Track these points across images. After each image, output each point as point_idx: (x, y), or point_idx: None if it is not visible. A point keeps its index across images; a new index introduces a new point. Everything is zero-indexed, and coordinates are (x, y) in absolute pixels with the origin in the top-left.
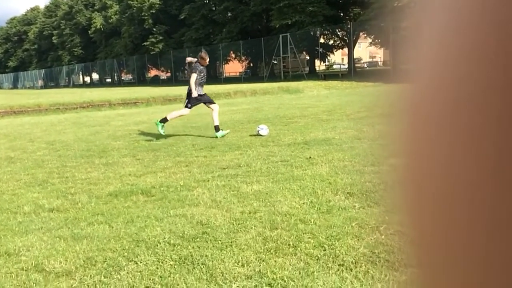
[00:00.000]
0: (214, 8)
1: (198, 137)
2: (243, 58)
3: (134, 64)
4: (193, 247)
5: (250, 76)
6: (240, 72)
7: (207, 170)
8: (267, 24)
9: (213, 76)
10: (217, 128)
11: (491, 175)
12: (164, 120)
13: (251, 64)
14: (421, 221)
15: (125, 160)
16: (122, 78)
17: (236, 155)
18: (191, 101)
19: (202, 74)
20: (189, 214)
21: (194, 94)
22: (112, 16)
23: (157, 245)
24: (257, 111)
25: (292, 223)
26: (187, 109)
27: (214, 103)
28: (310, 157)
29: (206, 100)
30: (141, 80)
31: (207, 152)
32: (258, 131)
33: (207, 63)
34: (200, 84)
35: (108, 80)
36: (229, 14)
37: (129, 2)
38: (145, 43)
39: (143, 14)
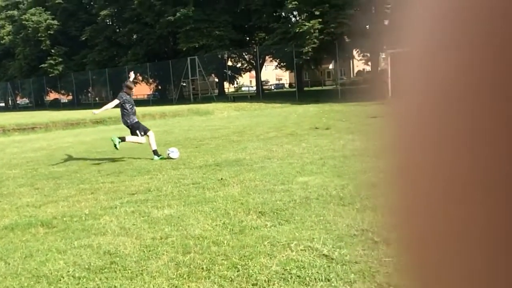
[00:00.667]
0: (118, 30)
1: (105, 163)
2: (151, 80)
3: (30, 87)
4: (100, 279)
5: (159, 98)
6: (148, 95)
7: (114, 196)
8: (174, 46)
9: None
10: (155, 152)
11: (483, 175)
12: (122, 139)
13: (159, 87)
14: (412, 224)
15: (22, 190)
16: (18, 102)
17: (145, 179)
18: (139, 128)
19: (131, 103)
20: (96, 244)
21: (95, 111)
22: (5, 37)
23: (60, 280)
24: (167, 133)
25: (205, 246)
26: (143, 137)
27: (149, 130)
28: (221, 179)
29: (142, 128)
30: (39, 104)
31: (114, 178)
32: (168, 154)
33: (133, 92)
34: (133, 113)
35: (1, 104)
36: (134, 36)
37: (23, 22)
38: (42, 65)
39: (39, 35)
